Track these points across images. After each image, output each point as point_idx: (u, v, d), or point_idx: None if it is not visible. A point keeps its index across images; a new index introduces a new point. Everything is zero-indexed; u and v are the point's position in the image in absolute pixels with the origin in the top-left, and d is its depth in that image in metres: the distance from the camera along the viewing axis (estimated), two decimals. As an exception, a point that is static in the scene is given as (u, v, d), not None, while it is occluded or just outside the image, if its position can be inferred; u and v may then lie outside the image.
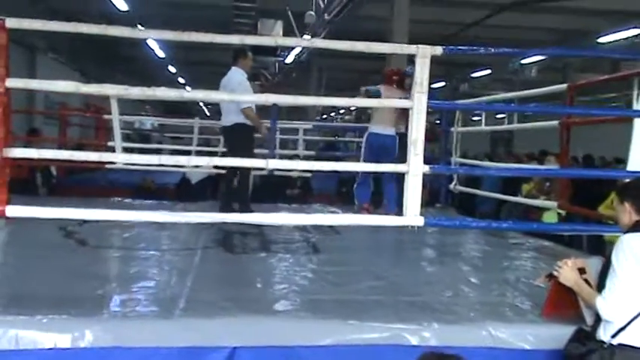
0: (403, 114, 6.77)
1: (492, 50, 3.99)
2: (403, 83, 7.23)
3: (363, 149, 7.27)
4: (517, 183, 9.15)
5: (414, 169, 3.81)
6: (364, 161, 6.95)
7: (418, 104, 3.75)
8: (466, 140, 18.12)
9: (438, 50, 3.77)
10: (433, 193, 9.54)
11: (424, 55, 3.72)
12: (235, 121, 6.57)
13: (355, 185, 7.46)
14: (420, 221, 3.87)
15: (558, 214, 6.87)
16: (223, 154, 8.37)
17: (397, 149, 6.92)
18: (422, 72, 3.73)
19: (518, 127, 9.62)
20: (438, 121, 8.61)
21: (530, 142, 16.60)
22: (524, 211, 8.18)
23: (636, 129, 4.19)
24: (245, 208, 6.44)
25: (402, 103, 4.25)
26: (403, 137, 6.79)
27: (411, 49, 3.79)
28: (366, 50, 3.83)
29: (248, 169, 6.72)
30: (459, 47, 3.96)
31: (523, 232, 6.40)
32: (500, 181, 10.45)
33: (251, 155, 6.64)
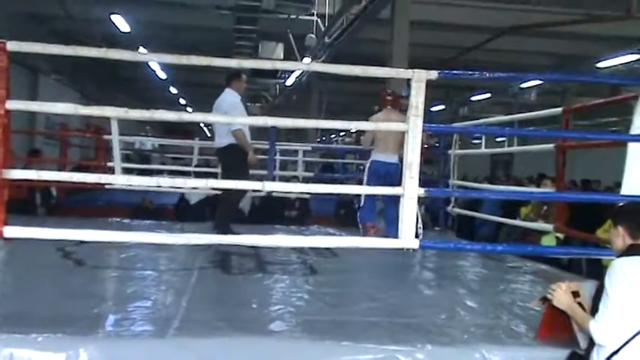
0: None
1: (487, 75, 4.04)
2: (396, 104, 7.20)
3: (366, 176, 7.16)
4: (516, 206, 9.16)
5: (410, 191, 3.84)
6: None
7: (413, 127, 3.80)
8: (467, 163, 18.22)
9: (434, 75, 3.83)
10: (432, 216, 9.57)
11: (419, 79, 3.77)
12: (228, 142, 6.59)
13: (358, 211, 7.38)
14: (415, 244, 3.90)
15: (556, 237, 6.90)
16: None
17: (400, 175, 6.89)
18: (417, 95, 3.78)
19: (515, 149, 9.73)
20: (437, 144, 8.63)
21: (530, 165, 16.67)
22: (522, 235, 8.18)
23: (630, 153, 4.23)
24: (226, 230, 6.31)
25: (398, 127, 4.29)
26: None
27: (407, 73, 3.85)
28: (362, 74, 3.89)
29: (240, 191, 6.70)
30: (454, 72, 4.01)
31: (520, 256, 6.42)
32: (499, 205, 10.47)
33: (246, 176, 6.62)
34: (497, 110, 22.29)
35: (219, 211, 6.85)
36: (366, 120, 6.72)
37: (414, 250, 3.96)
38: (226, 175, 6.66)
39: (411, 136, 3.80)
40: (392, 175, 6.90)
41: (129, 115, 3.57)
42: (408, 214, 3.85)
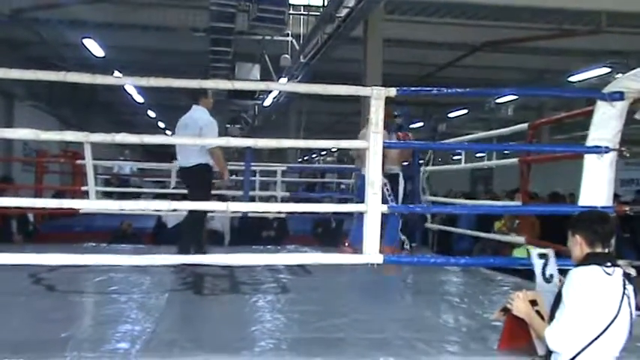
0: (402, 155, 6.88)
1: (446, 91, 4.14)
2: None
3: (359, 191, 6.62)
4: (491, 221, 9.28)
5: (372, 208, 3.92)
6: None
7: (374, 144, 3.88)
8: (449, 179, 18.32)
9: (392, 92, 3.93)
10: (409, 233, 9.66)
11: (379, 96, 3.86)
12: (198, 161, 6.48)
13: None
14: (379, 259, 3.97)
15: (527, 250, 6.99)
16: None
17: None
18: (377, 113, 3.87)
19: (483, 164, 9.91)
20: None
21: (508, 180, 16.85)
22: (496, 248, 8.29)
23: (586, 165, 4.35)
24: (189, 251, 6.24)
25: (357, 144, 4.39)
26: (395, 177, 6.90)
27: (365, 90, 3.94)
28: (322, 92, 3.98)
29: (203, 212, 6.62)
30: (413, 89, 4.11)
31: (493, 269, 6.52)
32: (475, 219, 10.59)
33: (210, 197, 6.59)
34: (476, 126, 22.57)
35: (183, 234, 6.73)
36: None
37: (378, 265, 4.02)
38: (193, 196, 6.51)
39: (372, 153, 3.88)
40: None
41: (90, 139, 3.63)
42: (372, 230, 3.92)
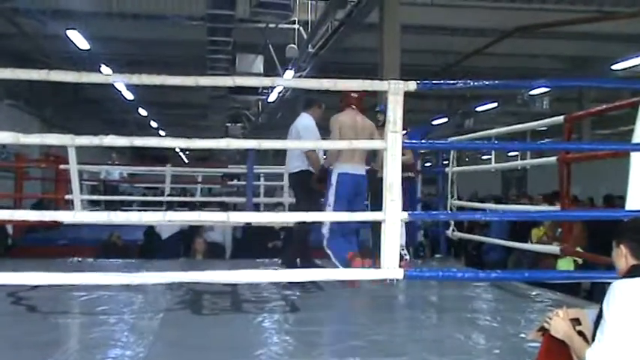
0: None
1: (473, 83, 4.13)
2: (360, 103, 6.89)
3: (332, 195, 6.55)
4: (527, 228, 9.21)
5: (391, 216, 3.91)
6: (336, 208, 6.46)
7: (392, 145, 3.87)
8: (477, 181, 18.21)
9: (412, 85, 3.92)
10: (433, 243, 9.65)
11: (397, 91, 3.86)
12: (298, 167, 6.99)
13: (325, 241, 6.60)
14: (399, 274, 3.96)
15: (574, 261, 6.93)
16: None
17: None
18: (395, 110, 3.86)
19: (517, 164, 9.83)
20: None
21: (545, 181, 16.78)
22: (534, 259, 8.25)
23: (633, 164, 4.31)
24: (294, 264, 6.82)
25: (374, 144, 4.38)
26: (373, 174, 6.86)
27: (381, 84, 3.94)
28: (332, 88, 3.97)
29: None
30: (435, 82, 4.10)
31: (530, 283, 6.48)
32: (508, 227, 10.54)
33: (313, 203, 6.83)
34: (507, 121, 22.48)
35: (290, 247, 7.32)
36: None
37: (397, 280, 4.02)
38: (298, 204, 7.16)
39: (389, 154, 3.87)
40: (362, 189, 6.73)
41: (76, 143, 3.64)
42: (391, 241, 3.91)
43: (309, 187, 6.88)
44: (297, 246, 7.06)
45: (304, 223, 6.55)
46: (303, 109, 7.39)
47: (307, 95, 7.44)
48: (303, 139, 6.80)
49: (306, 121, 7.09)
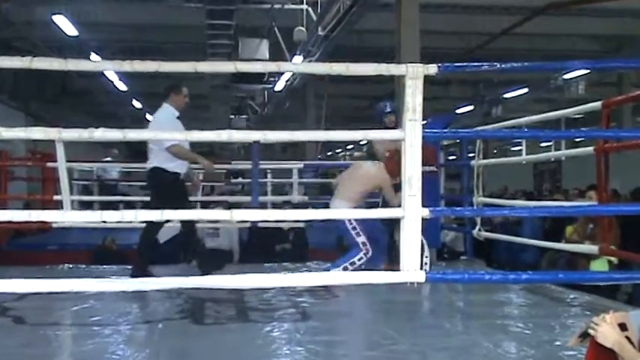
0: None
1: (500, 66, 4.12)
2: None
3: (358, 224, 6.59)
4: (563, 226, 9.17)
5: (411, 213, 3.91)
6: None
7: (411, 134, 3.87)
8: (507, 175, 18.13)
9: (432, 69, 3.92)
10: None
11: (415, 75, 3.85)
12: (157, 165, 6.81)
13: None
14: (420, 277, 3.96)
15: (609, 261, 6.90)
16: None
17: None
18: (414, 95, 3.86)
19: (544, 156, 9.81)
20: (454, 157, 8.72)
21: (584, 174, 16.70)
22: (570, 260, 8.21)
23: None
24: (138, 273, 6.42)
25: (392, 135, 4.38)
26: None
27: (399, 69, 3.93)
28: (344, 73, 3.98)
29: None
30: (458, 65, 4.10)
31: (566, 285, 6.47)
32: (542, 225, 10.51)
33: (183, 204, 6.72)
34: (539, 108, 22.40)
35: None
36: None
37: (418, 284, 4.02)
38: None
39: (408, 145, 3.87)
40: None
41: (63, 137, 3.66)
42: (411, 241, 3.91)
43: (166, 188, 6.74)
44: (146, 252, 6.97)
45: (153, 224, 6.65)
46: (162, 98, 7.01)
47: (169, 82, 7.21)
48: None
49: (163, 114, 6.83)
